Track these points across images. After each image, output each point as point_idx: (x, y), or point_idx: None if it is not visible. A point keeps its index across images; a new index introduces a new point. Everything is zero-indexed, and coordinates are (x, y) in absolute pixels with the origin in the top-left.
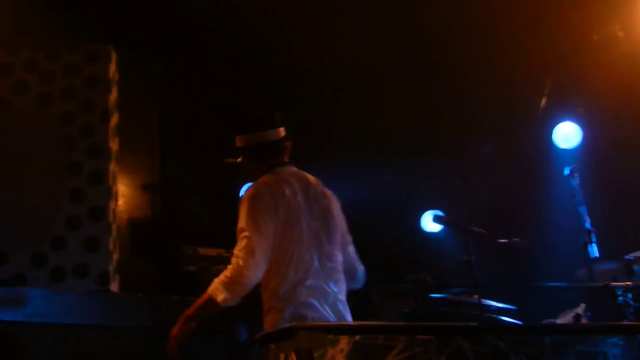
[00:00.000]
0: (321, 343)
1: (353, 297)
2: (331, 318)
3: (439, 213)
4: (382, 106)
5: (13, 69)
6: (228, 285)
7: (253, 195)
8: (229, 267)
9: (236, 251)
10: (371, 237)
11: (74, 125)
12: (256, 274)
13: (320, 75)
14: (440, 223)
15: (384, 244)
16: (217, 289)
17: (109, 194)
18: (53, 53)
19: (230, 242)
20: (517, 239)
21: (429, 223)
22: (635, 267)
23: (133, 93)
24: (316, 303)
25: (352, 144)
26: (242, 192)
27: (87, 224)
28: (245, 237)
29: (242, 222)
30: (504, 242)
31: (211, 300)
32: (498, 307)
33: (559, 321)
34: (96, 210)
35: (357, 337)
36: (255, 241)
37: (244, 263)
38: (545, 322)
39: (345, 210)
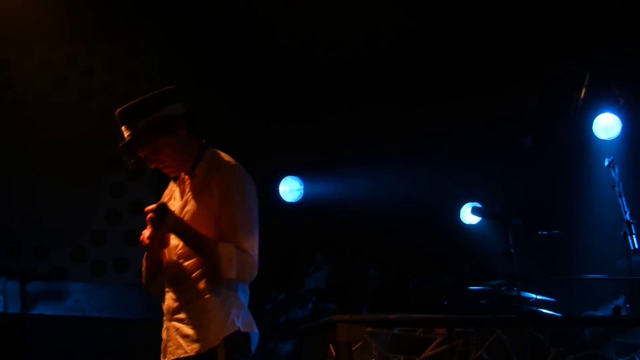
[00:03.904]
0: (360, 336)
1: (394, 289)
2: None
3: (478, 205)
4: (420, 98)
5: (54, 63)
6: (240, 274)
7: (246, 179)
8: (248, 260)
9: (249, 249)
10: (410, 230)
11: (114, 119)
12: None
13: (357, 69)
14: (479, 215)
15: (423, 236)
16: (230, 263)
17: (149, 187)
18: (93, 48)
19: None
20: (556, 231)
21: (468, 215)
22: None
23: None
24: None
25: (390, 138)
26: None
27: (127, 218)
28: (254, 232)
29: (247, 211)
30: (544, 234)
31: (215, 257)
32: (537, 299)
33: (598, 313)
34: (136, 204)
35: (397, 330)
36: (256, 243)
37: (255, 269)
38: (584, 314)
39: (385, 204)
